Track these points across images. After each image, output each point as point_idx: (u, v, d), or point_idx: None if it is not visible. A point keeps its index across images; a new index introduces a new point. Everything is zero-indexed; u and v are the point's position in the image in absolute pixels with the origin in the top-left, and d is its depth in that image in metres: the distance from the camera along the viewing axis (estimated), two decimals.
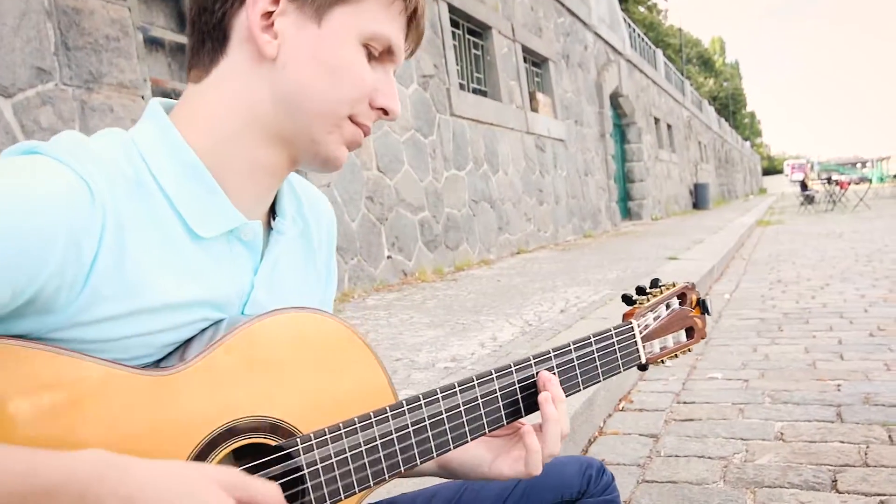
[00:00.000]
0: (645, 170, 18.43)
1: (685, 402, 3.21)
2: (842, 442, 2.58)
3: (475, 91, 9.81)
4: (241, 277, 0.92)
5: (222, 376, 0.81)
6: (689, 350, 1.34)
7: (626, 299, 1.28)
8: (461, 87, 9.25)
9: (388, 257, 6.94)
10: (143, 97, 4.54)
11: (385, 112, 0.94)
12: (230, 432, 0.81)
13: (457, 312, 5.00)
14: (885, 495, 2.12)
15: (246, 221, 0.90)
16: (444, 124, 8.37)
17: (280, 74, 0.87)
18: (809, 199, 21.98)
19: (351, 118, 0.91)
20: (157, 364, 0.84)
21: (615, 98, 17.47)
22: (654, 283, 1.31)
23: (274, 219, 0.99)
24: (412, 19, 0.93)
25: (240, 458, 0.83)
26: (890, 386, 3.21)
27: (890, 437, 2.60)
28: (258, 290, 0.94)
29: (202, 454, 0.79)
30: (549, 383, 1.02)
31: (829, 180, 22.82)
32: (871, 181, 32.42)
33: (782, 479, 2.29)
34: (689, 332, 1.33)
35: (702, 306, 1.36)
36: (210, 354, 0.81)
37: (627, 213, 17.80)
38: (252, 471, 0.80)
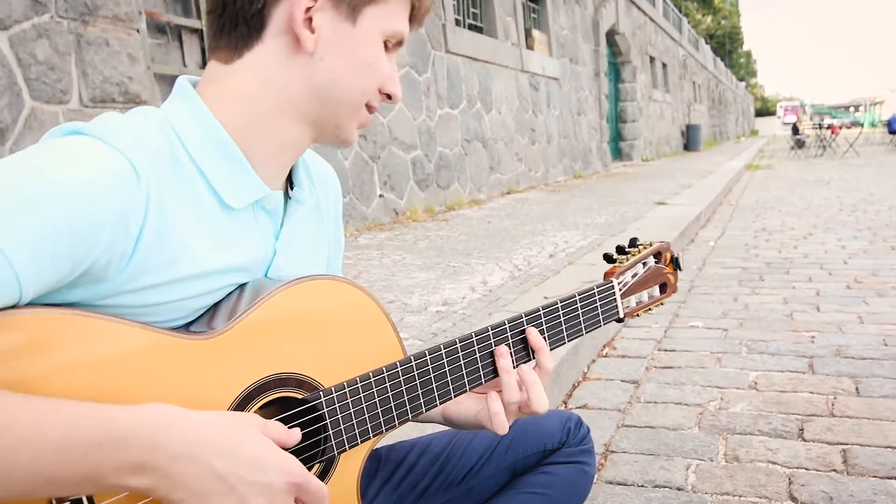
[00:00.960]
0: (638, 110, 18.37)
1: (666, 350, 3.36)
2: (811, 392, 2.73)
3: (471, 27, 9.70)
4: (265, 243, 1.01)
5: (254, 339, 0.91)
6: (662, 304, 1.46)
7: (607, 258, 1.39)
8: (457, 22, 9.14)
9: (380, 196, 7.00)
10: (137, 30, 4.51)
11: (389, 97, 1.03)
12: (263, 387, 0.92)
13: (448, 255, 5.10)
14: (847, 444, 2.28)
15: (270, 192, 0.98)
16: (438, 61, 8.31)
17: (316, 66, 0.94)
18: (800, 144, 22.03)
19: (366, 104, 1.00)
20: (188, 326, 0.94)
21: (611, 36, 17.26)
22: (633, 243, 1.42)
23: (291, 188, 1.07)
24: (419, 13, 1.01)
25: (272, 409, 0.94)
26: (861, 339, 3.36)
27: (857, 388, 2.75)
28: (280, 254, 1.03)
29: (239, 407, 0.90)
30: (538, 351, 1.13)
31: (820, 125, 22.82)
32: (862, 126, 32.42)
33: (753, 426, 2.45)
34: (663, 287, 1.44)
35: (675, 263, 1.47)
36: (244, 320, 0.90)
37: (618, 154, 17.82)
38: (283, 421, 0.91)
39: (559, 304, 1.20)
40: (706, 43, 39.12)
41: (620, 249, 1.40)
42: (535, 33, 11.67)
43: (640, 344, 3.47)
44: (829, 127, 23.22)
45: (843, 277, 4.70)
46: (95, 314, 0.80)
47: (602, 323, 1.27)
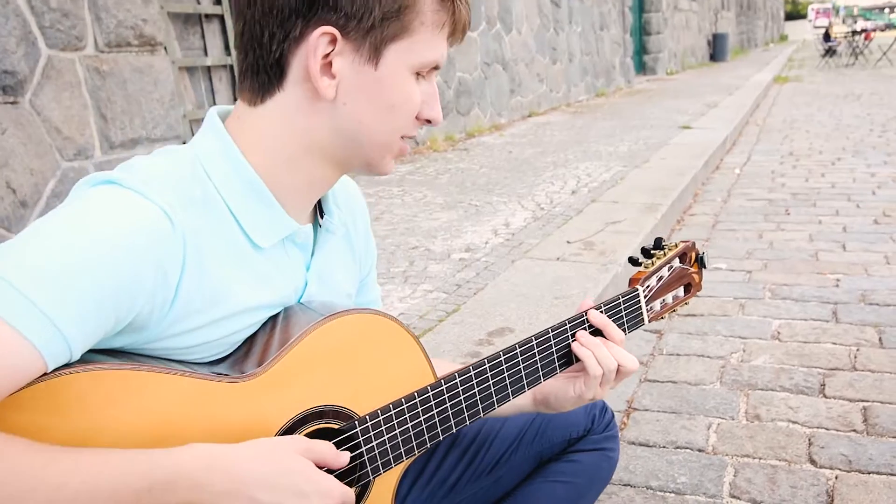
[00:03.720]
0: (663, 21, 17.75)
1: None
2: (834, 343, 2.75)
3: None
4: (296, 274, 1.03)
5: (291, 378, 0.94)
6: (686, 303, 1.46)
7: (633, 261, 1.39)
8: None
9: None
10: None
11: (429, 121, 1.01)
12: (302, 421, 0.95)
13: (469, 191, 5.08)
14: (867, 401, 2.31)
15: (299, 227, 0.99)
16: None
17: (339, 111, 0.93)
18: (831, 52, 21.27)
19: (401, 136, 0.99)
20: (226, 358, 0.97)
21: None
22: (658, 244, 1.41)
23: (321, 216, 1.08)
24: (459, 30, 0.98)
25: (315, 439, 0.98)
26: (887, 283, 3.34)
27: (880, 339, 2.76)
28: (311, 284, 1.05)
29: None
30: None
31: (853, 32, 21.95)
32: None
33: (774, 381, 2.48)
34: (688, 287, 1.44)
35: (700, 262, 1.46)
36: (280, 361, 0.93)
37: (642, 68, 17.35)
38: None
39: (586, 318, 1.21)
40: None
41: (646, 252, 1.40)
42: None
43: None
44: (863, 31, 22.33)
45: (871, 211, 4.63)
46: (141, 366, 0.83)
47: (627, 331, 1.28)
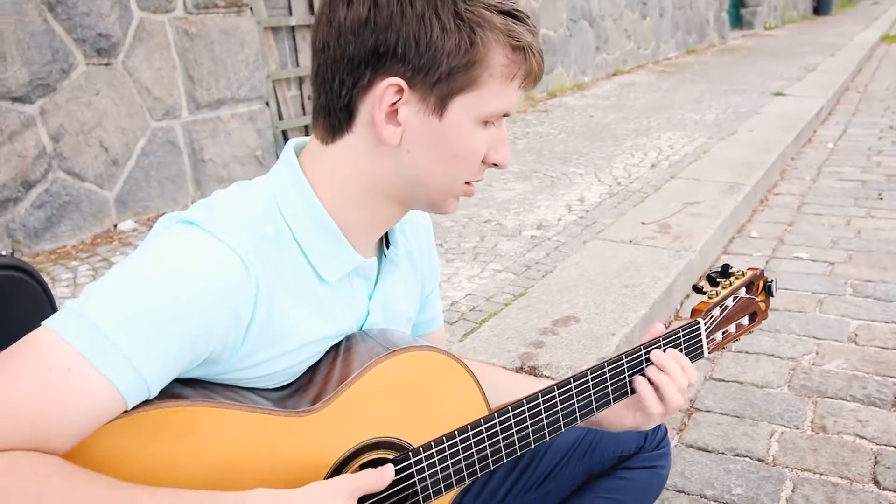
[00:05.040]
0: None
1: None
2: None
3: None
4: (359, 305, 1.07)
5: (350, 411, 0.99)
6: (751, 332, 1.44)
7: (697, 289, 1.37)
8: None
9: None
10: None
11: (495, 164, 1.02)
12: (357, 452, 1.01)
13: (546, 160, 5.03)
14: None
15: (364, 261, 1.03)
16: None
17: (403, 157, 0.95)
18: None
19: (465, 182, 1.01)
20: (291, 385, 1.02)
21: None
22: (725, 271, 1.39)
23: (387, 245, 1.11)
24: (531, 80, 0.98)
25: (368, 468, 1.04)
26: None
27: None
28: (373, 313, 1.09)
29: (336, 471, 1.00)
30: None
31: None
32: None
33: (846, 390, 2.42)
34: (752, 316, 1.41)
35: (767, 291, 1.43)
36: (340, 396, 0.98)
37: (738, 23, 16.53)
38: None
39: (642, 350, 1.22)
40: None
41: (711, 280, 1.38)
42: None
43: None
44: None
45: None
46: (211, 402, 0.89)
47: None
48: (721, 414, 2.32)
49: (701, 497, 1.94)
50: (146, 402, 0.84)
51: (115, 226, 3.81)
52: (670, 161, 4.88)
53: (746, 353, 2.70)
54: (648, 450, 1.41)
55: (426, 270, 1.24)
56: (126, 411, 0.81)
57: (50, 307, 1.26)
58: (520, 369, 2.29)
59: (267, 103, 4.63)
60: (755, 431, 2.22)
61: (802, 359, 2.64)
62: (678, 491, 1.97)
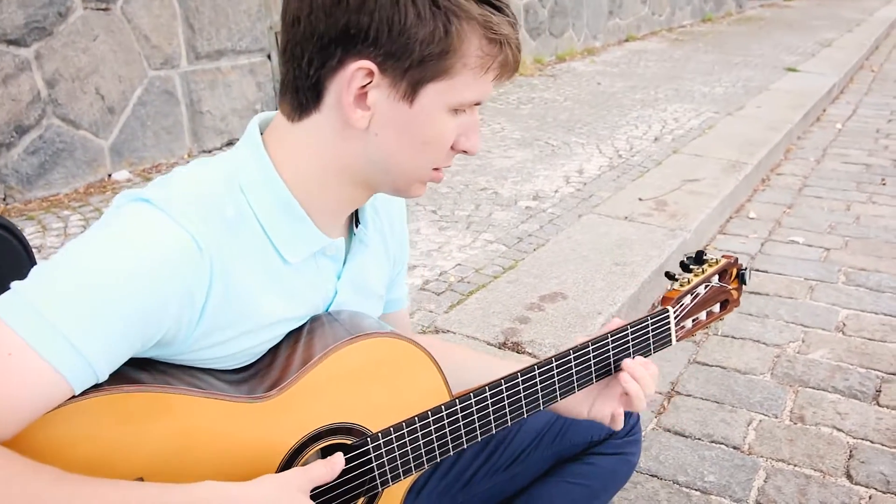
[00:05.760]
0: None
1: (758, 271, 3.27)
2: None
3: None
4: (326, 284, 1.06)
5: (308, 397, 0.99)
6: (721, 319, 1.43)
7: (669, 276, 1.36)
8: None
9: None
10: None
11: (465, 151, 1.00)
12: (315, 438, 1.00)
13: (549, 127, 4.97)
14: None
15: (330, 241, 1.01)
16: None
17: (371, 141, 0.93)
18: None
19: (433, 168, 0.99)
20: (251, 367, 1.01)
21: None
22: (700, 258, 1.37)
23: (356, 224, 1.09)
24: (506, 72, 0.95)
25: (327, 454, 1.03)
26: None
27: None
28: (340, 293, 1.08)
29: (292, 457, 0.99)
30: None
31: None
32: None
33: (828, 381, 2.42)
34: (724, 303, 1.40)
35: (740, 279, 1.42)
36: (300, 380, 0.97)
37: None
38: None
39: (609, 339, 1.21)
40: None
41: (685, 266, 1.36)
42: None
43: None
44: None
45: None
46: (164, 388, 0.88)
47: (652, 351, 1.28)
48: (701, 399, 2.32)
49: (673, 483, 1.95)
50: (97, 387, 0.83)
51: (110, 175, 3.79)
52: (674, 135, 4.82)
53: (732, 337, 2.70)
54: (619, 436, 1.41)
55: (397, 251, 1.23)
56: (74, 396, 0.80)
57: (30, 263, 1.25)
58: (503, 345, 2.29)
59: (269, 56, 4.56)
60: (733, 418, 2.22)
61: (788, 346, 2.63)
62: (651, 475, 1.98)
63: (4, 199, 3.39)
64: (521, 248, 3.01)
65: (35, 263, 1.23)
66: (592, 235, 3.14)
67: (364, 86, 0.88)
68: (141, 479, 0.86)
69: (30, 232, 3.12)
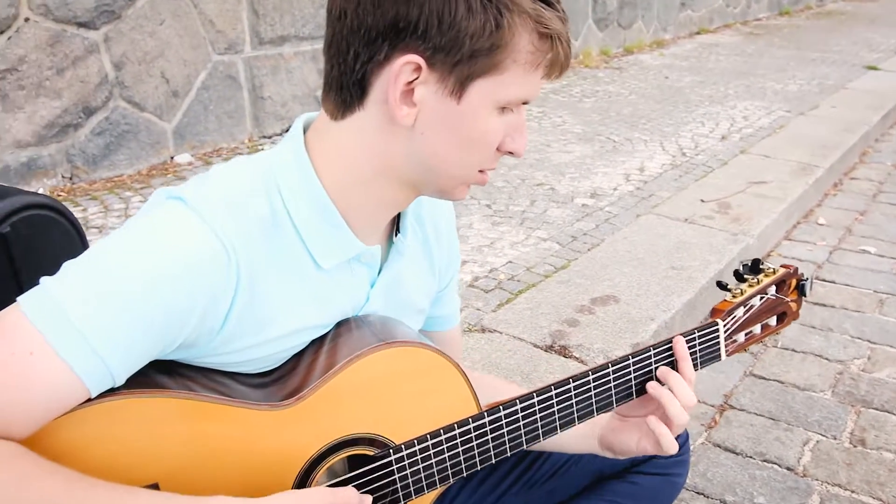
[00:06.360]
0: None
1: (824, 281, 3.12)
2: None
3: None
4: (358, 292, 1.03)
5: (329, 405, 0.96)
6: (777, 333, 1.34)
7: (721, 286, 1.29)
8: None
9: None
10: None
11: (511, 153, 0.96)
12: (335, 448, 0.98)
13: (611, 122, 4.85)
14: None
15: (366, 249, 0.98)
16: None
17: (416, 139, 0.90)
18: None
19: (479, 170, 0.96)
20: (274, 371, 0.99)
21: None
22: (756, 267, 1.29)
23: (395, 232, 1.06)
24: (556, 69, 0.91)
25: (353, 465, 1.01)
26: None
27: None
28: (373, 301, 1.04)
29: (311, 467, 0.97)
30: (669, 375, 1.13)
31: None
32: None
33: (893, 402, 2.29)
34: (781, 316, 1.32)
35: (800, 290, 1.33)
36: (322, 388, 0.95)
37: None
38: (355, 477, 0.98)
39: (652, 352, 1.15)
40: None
41: (739, 276, 1.29)
42: None
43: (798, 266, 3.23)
44: None
45: None
46: (182, 393, 0.87)
47: (699, 366, 1.21)
48: (755, 414, 2.23)
49: (720, 502, 1.88)
50: (116, 390, 0.82)
51: (172, 158, 3.86)
52: (742, 134, 4.65)
53: (793, 350, 2.58)
54: (664, 456, 1.35)
55: (444, 263, 1.18)
56: (91, 399, 0.80)
57: (81, 245, 1.26)
58: (549, 348, 2.24)
59: None
60: (789, 437, 2.13)
61: (852, 363, 2.51)
62: (697, 492, 1.91)
63: (71, 179, 3.48)
64: (575, 248, 2.94)
65: (86, 243, 1.25)
66: (649, 237, 3.05)
67: (411, 81, 0.85)
68: (156, 485, 0.85)
69: (93, 212, 3.20)
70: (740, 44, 8.44)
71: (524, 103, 0.93)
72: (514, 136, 0.94)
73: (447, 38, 0.83)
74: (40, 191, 3.36)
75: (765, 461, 2.03)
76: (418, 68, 0.84)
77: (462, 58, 0.84)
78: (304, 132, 0.96)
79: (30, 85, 3.23)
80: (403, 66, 0.84)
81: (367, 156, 0.92)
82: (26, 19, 3.18)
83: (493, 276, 2.68)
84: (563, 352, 2.22)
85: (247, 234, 0.87)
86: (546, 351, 2.22)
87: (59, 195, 3.34)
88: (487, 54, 0.84)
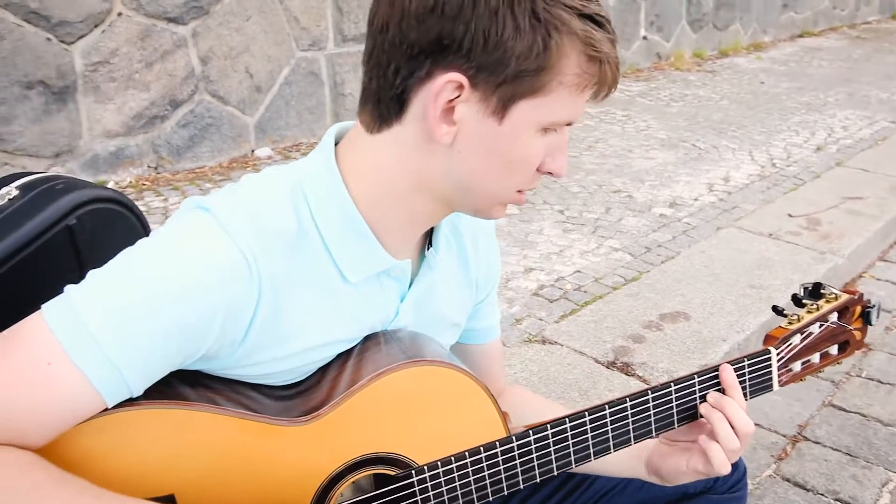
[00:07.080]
0: None
1: None
2: None
3: None
4: (387, 306, 1.00)
5: (351, 422, 0.93)
6: (839, 363, 1.24)
7: (777, 311, 1.19)
8: None
9: (644, 38, 6.46)
10: None
11: (550, 173, 0.92)
12: (354, 467, 0.95)
13: (699, 128, 4.67)
14: None
15: (396, 263, 0.95)
16: None
17: (454, 157, 0.87)
18: None
19: (517, 190, 0.92)
20: (298, 384, 0.97)
21: None
22: (817, 292, 1.19)
23: (428, 246, 1.02)
24: (603, 91, 0.87)
25: (380, 484, 0.98)
26: None
27: None
28: (403, 315, 1.01)
29: (330, 485, 0.95)
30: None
31: None
32: None
33: None
34: (843, 345, 1.22)
35: (865, 318, 1.22)
36: (344, 403, 0.92)
37: None
38: (375, 497, 0.96)
39: (696, 380, 1.08)
40: None
41: (797, 300, 1.19)
42: None
43: (890, 289, 3.04)
44: None
45: None
46: (201, 406, 0.86)
47: (749, 396, 1.13)
48: (832, 448, 2.09)
49: None
50: (136, 401, 0.81)
51: (253, 151, 3.94)
52: (840, 145, 4.40)
53: (879, 382, 2.41)
54: (718, 491, 1.27)
55: (482, 277, 1.14)
56: (108, 409, 0.79)
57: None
58: (611, 364, 2.16)
59: None
60: (866, 476, 1.98)
61: None
62: None
63: (156, 169, 3.60)
64: (648, 259, 2.84)
65: None
66: (729, 252, 2.91)
67: (452, 99, 0.82)
68: (172, 496, 0.84)
69: (174, 202, 3.30)
70: (845, 48, 8.01)
71: (568, 124, 0.88)
72: (554, 157, 0.90)
73: (492, 58, 0.79)
74: (127, 180, 3.49)
75: (837, 500, 1.89)
76: (460, 87, 0.81)
77: (507, 78, 0.80)
78: (337, 143, 0.93)
79: (120, 77, 3.36)
80: (445, 85, 0.81)
81: (401, 171, 0.89)
82: (119, 14, 3.30)
83: (559, 286, 2.61)
84: (626, 369, 2.14)
85: (271, 247, 0.85)
86: (608, 367, 2.15)
87: (144, 184, 3.46)
88: (533, 75, 0.81)
